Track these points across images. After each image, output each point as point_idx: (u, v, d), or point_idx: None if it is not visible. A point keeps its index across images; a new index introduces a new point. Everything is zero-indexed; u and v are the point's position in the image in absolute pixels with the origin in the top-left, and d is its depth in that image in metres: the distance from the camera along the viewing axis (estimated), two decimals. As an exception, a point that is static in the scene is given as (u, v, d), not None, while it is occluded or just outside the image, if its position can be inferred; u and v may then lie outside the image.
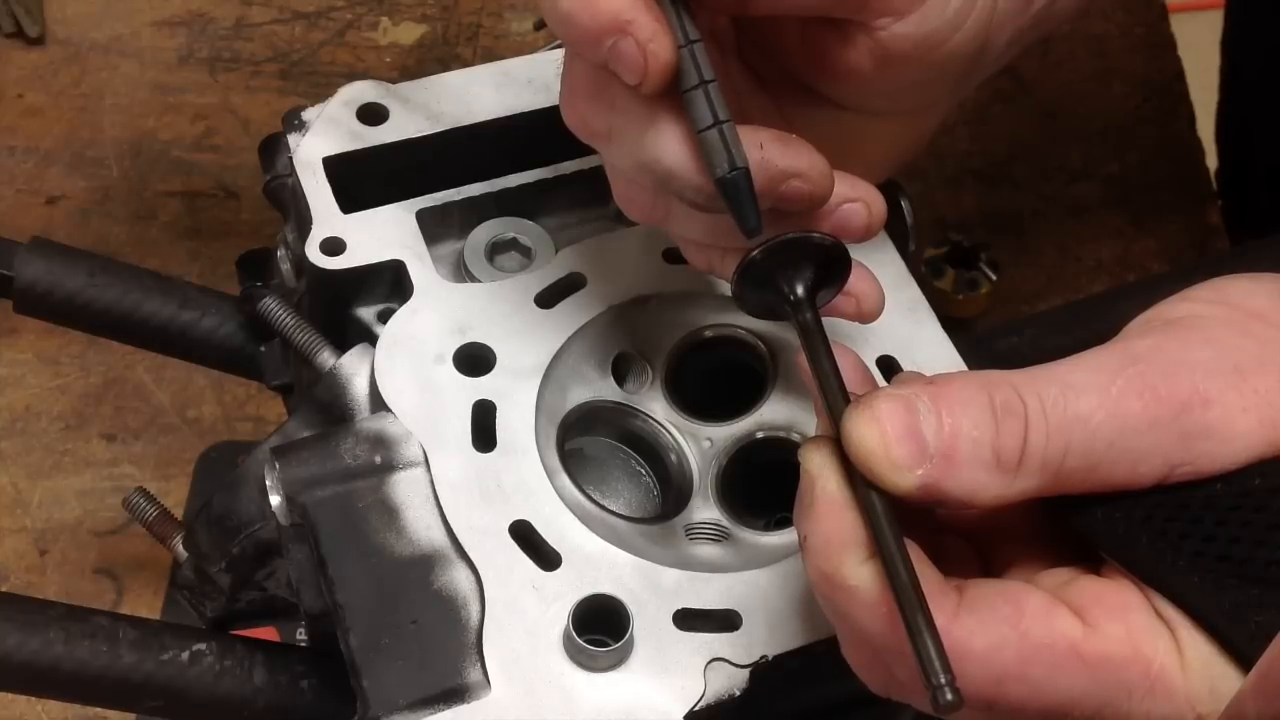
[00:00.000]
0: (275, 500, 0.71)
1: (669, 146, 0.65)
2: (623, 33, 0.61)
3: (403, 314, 0.76)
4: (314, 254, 0.78)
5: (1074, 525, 0.59)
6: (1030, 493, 0.57)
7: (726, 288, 0.74)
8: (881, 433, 0.56)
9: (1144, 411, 0.56)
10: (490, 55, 1.30)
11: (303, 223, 0.80)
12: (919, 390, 0.57)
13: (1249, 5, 1.38)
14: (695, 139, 0.64)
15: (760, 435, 0.77)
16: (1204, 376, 0.56)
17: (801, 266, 0.64)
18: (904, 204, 0.83)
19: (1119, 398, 0.56)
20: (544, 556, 0.70)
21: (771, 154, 0.64)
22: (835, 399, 0.59)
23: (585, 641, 0.66)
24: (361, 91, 0.83)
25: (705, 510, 0.75)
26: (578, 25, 0.62)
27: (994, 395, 0.57)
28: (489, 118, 0.84)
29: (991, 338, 0.90)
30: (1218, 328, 0.58)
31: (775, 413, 0.77)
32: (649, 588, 0.69)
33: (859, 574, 0.56)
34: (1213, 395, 0.56)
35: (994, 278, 1.14)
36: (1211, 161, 1.35)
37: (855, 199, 0.68)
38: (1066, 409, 0.56)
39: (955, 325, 0.81)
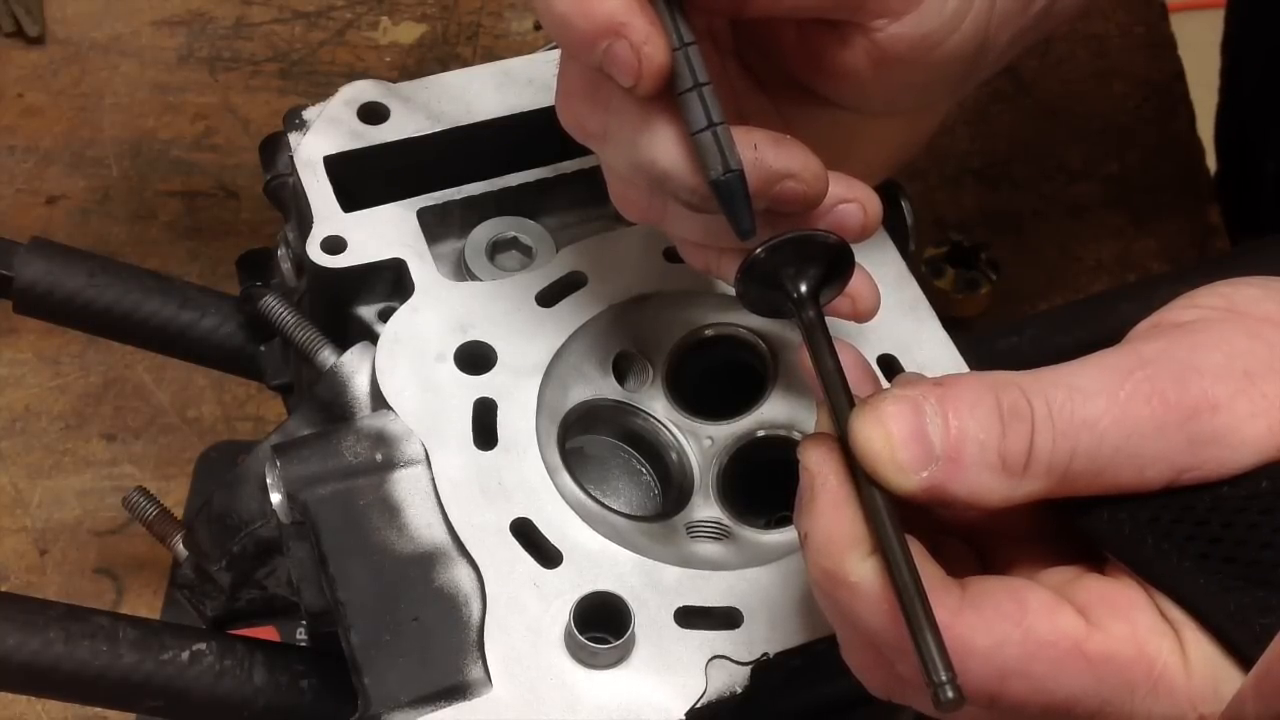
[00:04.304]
0: (276, 498, 0.71)
1: (664, 148, 0.65)
2: (617, 35, 0.62)
3: (404, 312, 0.77)
4: (315, 252, 0.78)
5: (1079, 526, 0.59)
6: (1036, 495, 0.57)
7: (726, 286, 0.74)
8: (887, 434, 0.56)
9: (1151, 416, 0.56)
10: (490, 55, 1.30)
11: (303, 221, 0.80)
12: (926, 392, 0.57)
13: (1249, 7, 1.38)
14: (690, 141, 0.64)
15: (761, 434, 0.77)
16: (1213, 381, 0.56)
17: (805, 264, 0.64)
18: (904, 204, 0.83)
19: (1126, 402, 0.56)
20: (545, 554, 0.70)
21: (765, 155, 0.64)
22: (838, 396, 0.59)
23: (586, 639, 0.66)
24: (362, 91, 0.83)
25: (706, 508, 0.75)
26: (572, 28, 0.62)
27: (1001, 398, 0.56)
28: (489, 117, 0.84)
29: (991, 338, 0.90)
30: (1227, 332, 0.58)
31: (776, 411, 0.77)
32: (650, 585, 0.69)
33: (860, 570, 0.56)
34: (1221, 400, 0.56)
35: (994, 278, 1.14)
36: (1211, 163, 1.34)
37: (850, 199, 0.68)
38: (1074, 413, 0.56)
39: (955, 325, 0.81)
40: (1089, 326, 0.88)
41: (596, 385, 0.77)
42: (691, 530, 0.74)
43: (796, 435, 0.77)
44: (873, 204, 0.69)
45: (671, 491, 0.77)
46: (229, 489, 0.79)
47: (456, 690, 0.67)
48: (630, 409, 0.78)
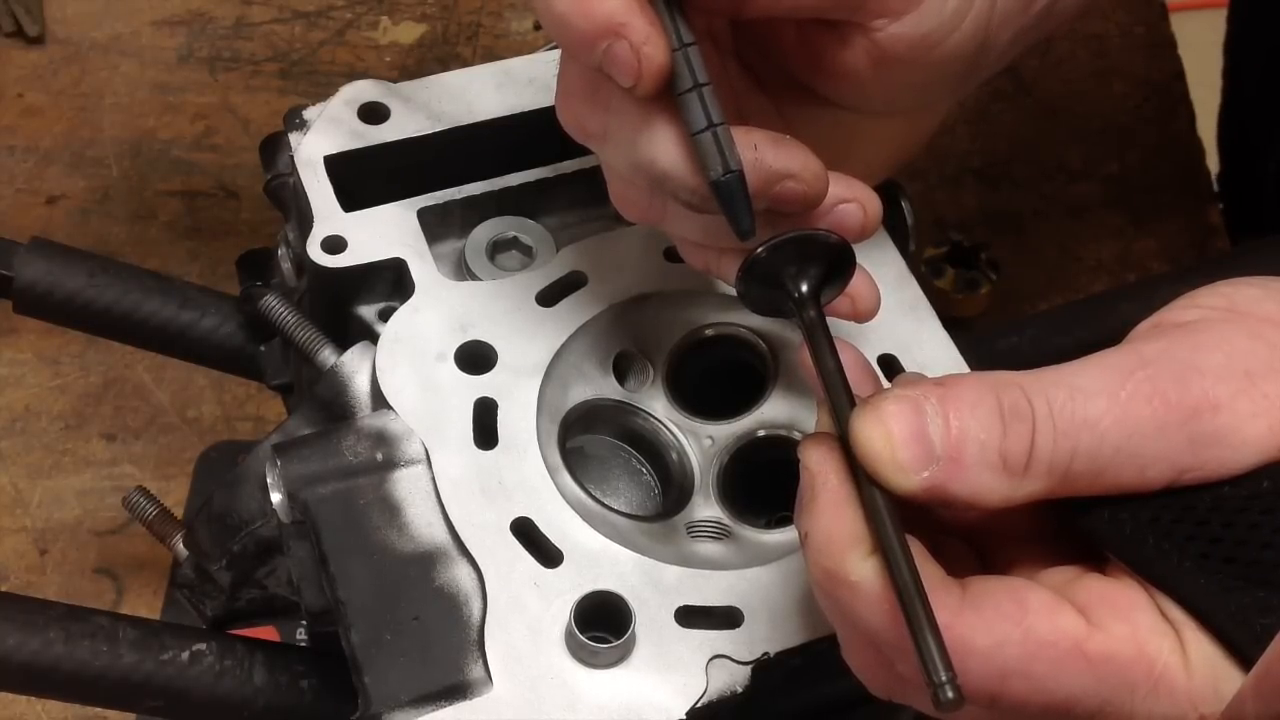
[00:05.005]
0: (276, 497, 0.71)
1: (664, 149, 0.65)
2: (617, 36, 0.62)
3: (404, 312, 0.77)
4: (315, 252, 0.78)
5: (1080, 526, 0.59)
6: (1036, 495, 0.57)
7: (726, 286, 0.74)
8: (887, 434, 0.56)
9: (1153, 417, 0.56)
10: (490, 55, 1.30)
11: (304, 221, 0.80)
12: (927, 392, 0.57)
13: (1250, 7, 1.38)
14: (690, 141, 0.64)
15: (761, 434, 0.77)
16: (1214, 382, 0.56)
17: (806, 264, 0.64)
18: (904, 204, 0.83)
19: (1127, 402, 0.56)
20: (545, 553, 0.70)
21: (765, 155, 0.64)
22: (839, 396, 0.59)
23: (587, 638, 0.66)
24: (363, 90, 0.83)
25: (706, 508, 0.75)
26: (572, 28, 0.62)
27: (1002, 398, 0.56)
28: (490, 117, 0.84)
29: (991, 338, 0.90)
30: (1228, 332, 0.58)
31: (776, 411, 0.77)
32: (650, 585, 0.69)
33: (861, 570, 0.56)
34: (1223, 401, 0.56)
35: (994, 278, 1.14)
36: (1212, 162, 1.34)
37: (850, 199, 0.68)
38: (1074, 413, 0.56)
39: (955, 325, 0.81)
40: (1089, 326, 0.88)
41: (597, 385, 0.77)
42: (692, 530, 0.74)
43: (797, 435, 0.77)
44: (873, 204, 0.69)
45: (672, 491, 0.77)
46: (229, 489, 0.79)
47: (457, 689, 0.67)
48: (630, 409, 0.78)
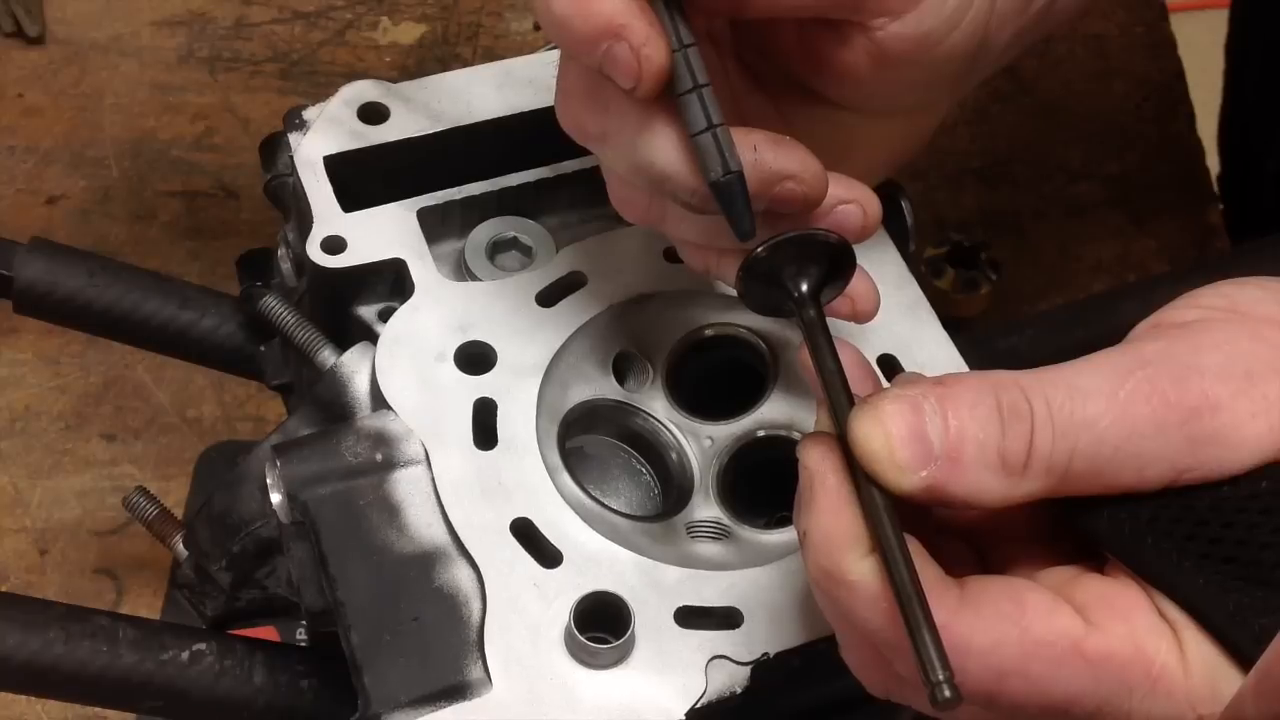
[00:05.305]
0: (276, 498, 0.71)
1: (663, 150, 0.65)
2: (617, 37, 0.62)
3: (404, 312, 0.77)
4: (315, 252, 0.78)
5: (1079, 525, 0.59)
6: (1035, 495, 0.57)
7: (726, 287, 0.74)
8: (886, 434, 0.56)
9: (1152, 416, 0.56)
10: (490, 55, 1.30)
11: (304, 221, 0.80)
12: (926, 391, 0.57)
13: (1251, 7, 1.38)
14: (690, 142, 0.64)
15: (761, 434, 0.77)
16: (1214, 381, 0.56)
17: (806, 263, 0.64)
18: (904, 204, 0.83)
19: (1126, 402, 0.56)
20: (545, 554, 0.70)
21: (765, 156, 0.64)
22: (838, 396, 0.59)
23: (587, 639, 0.66)
24: (362, 91, 0.83)
25: (706, 508, 0.75)
26: (571, 30, 0.62)
27: (1001, 397, 0.56)
28: (490, 117, 0.84)
29: (991, 338, 0.90)
30: (1228, 332, 0.58)
31: (776, 411, 0.77)
32: (650, 585, 0.69)
33: (859, 569, 0.56)
34: (1222, 401, 0.56)
35: (994, 278, 1.14)
36: (1212, 162, 1.34)
37: (850, 200, 0.68)
38: (1073, 413, 0.56)
39: (955, 325, 0.81)
40: (1089, 326, 0.88)
41: (596, 385, 0.77)
42: (691, 530, 0.74)
43: (796, 435, 0.77)
44: (872, 205, 0.69)
45: (671, 491, 0.77)
46: (229, 489, 0.79)
47: (456, 690, 0.67)
48: (630, 409, 0.78)
